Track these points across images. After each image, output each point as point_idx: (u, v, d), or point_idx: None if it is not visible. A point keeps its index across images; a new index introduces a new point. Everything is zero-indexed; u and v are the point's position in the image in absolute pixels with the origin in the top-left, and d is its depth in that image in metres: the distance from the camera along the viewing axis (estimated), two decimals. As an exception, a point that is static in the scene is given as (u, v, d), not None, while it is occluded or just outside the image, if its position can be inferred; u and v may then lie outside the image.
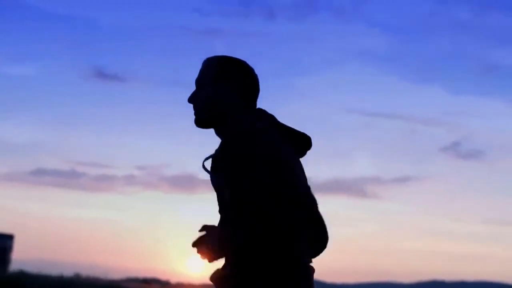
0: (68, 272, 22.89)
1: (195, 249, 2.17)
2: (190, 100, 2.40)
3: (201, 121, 2.38)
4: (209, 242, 2.14)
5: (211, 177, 2.25)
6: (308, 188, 2.34)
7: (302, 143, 2.36)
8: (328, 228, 2.31)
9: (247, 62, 2.43)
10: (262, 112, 2.35)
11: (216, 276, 2.22)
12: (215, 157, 2.22)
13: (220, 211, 2.25)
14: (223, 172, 2.17)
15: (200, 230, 2.19)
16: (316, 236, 2.28)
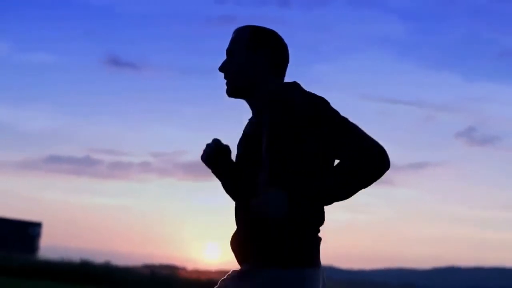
0: (81, 258, 22.33)
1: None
2: (221, 69, 2.40)
3: (234, 90, 2.38)
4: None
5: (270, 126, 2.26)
6: None
7: None
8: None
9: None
10: (300, 86, 2.34)
11: (238, 240, 2.32)
12: (269, 115, 2.28)
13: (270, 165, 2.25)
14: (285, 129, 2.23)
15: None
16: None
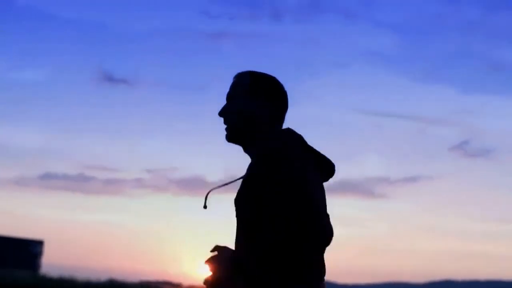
0: (78, 276, 22.95)
1: (207, 266, 2.16)
2: (221, 113, 2.37)
3: (234, 135, 2.34)
4: (220, 262, 2.14)
5: (240, 192, 2.22)
6: (328, 216, 2.32)
7: (326, 168, 2.35)
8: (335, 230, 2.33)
9: (261, 70, 2.43)
10: (292, 132, 2.33)
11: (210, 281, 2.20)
12: (250, 172, 2.22)
13: (238, 230, 2.21)
14: (252, 190, 2.15)
15: (212, 251, 2.18)
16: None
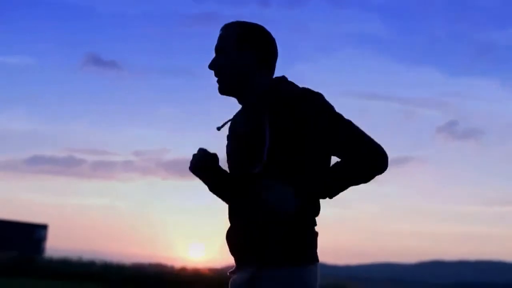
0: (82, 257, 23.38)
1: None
2: (211, 66, 2.37)
3: (226, 87, 2.35)
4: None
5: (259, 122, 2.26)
6: None
7: None
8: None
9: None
10: (286, 79, 2.36)
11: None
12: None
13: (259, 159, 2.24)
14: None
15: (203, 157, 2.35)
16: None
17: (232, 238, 2.32)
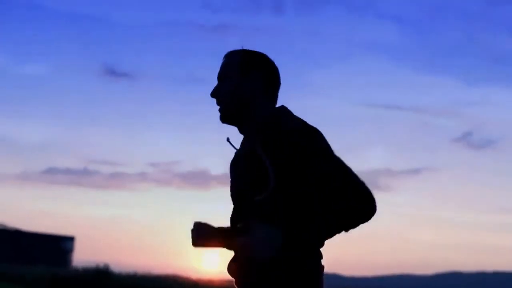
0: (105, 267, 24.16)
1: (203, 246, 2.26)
2: (213, 94, 2.34)
3: (227, 115, 2.33)
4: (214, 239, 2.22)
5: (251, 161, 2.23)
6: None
7: None
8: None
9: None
10: (288, 110, 2.32)
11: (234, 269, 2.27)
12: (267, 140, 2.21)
13: (250, 202, 2.22)
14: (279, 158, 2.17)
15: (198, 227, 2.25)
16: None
17: (230, 270, 2.30)
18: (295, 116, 2.27)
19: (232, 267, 2.28)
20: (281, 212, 2.17)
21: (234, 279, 2.29)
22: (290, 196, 2.17)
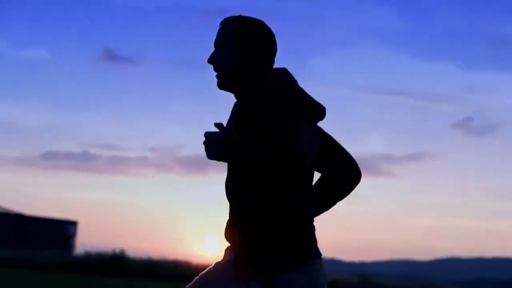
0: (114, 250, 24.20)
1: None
2: (210, 60, 2.36)
3: (225, 82, 2.34)
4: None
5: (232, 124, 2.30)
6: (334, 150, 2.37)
7: (318, 112, 2.33)
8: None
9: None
10: (287, 74, 2.33)
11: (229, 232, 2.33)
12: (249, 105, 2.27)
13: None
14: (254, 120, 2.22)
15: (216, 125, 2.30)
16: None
17: (229, 235, 2.34)
18: (282, 79, 2.30)
19: (229, 233, 2.33)
20: (268, 175, 2.19)
21: (230, 244, 2.34)
22: (274, 159, 2.17)
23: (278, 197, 2.20)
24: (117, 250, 23.05)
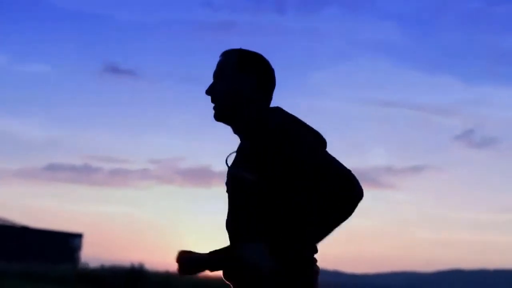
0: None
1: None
2: (209, 91, 2.35)
3: (221, 113, 2.33)
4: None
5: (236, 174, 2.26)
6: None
7: (322, 140, 2.29)
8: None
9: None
10: (283, 110, 2.30)
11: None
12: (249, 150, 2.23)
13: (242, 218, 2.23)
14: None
15: (181, 257, 2.29)
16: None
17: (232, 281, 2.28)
18: (281, 114, 2.26)
19: (229, 273, 2.29)
20: (272, 223, 2.16)
21: (231, 284, 2.29)
22: (279, 205, 2.16)
23: (286, 248, 2.13)
24: (136, 264, 23.10)
